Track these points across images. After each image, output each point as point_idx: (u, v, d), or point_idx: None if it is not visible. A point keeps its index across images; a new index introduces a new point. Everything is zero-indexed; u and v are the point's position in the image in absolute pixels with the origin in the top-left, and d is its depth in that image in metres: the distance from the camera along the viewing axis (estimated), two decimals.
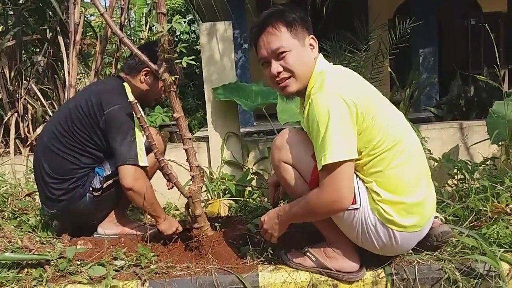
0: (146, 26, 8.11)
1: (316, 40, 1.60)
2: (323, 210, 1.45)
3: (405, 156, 1.47)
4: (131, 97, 1.94)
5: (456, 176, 2.43)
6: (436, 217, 1.70)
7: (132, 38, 7.39)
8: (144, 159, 1.90)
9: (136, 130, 1.90)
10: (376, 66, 3.70)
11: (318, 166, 1.40)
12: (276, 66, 1.54)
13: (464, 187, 2.29)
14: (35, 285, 1.60)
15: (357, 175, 1.49)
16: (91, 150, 1.96)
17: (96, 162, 1.99)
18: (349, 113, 1.39)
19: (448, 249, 1.70)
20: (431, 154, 2.64)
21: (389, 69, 3.97)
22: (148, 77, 2.05)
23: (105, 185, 1.96)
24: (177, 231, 1.97)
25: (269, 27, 1.54)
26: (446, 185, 2.38)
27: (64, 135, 1.93)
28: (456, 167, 2.43)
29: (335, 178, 1.38)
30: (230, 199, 2.61)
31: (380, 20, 4.25)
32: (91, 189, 1.95)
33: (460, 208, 1.99)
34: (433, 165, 2.61)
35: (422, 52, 6.02)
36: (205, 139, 3.13)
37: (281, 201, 1.95)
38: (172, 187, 1.98)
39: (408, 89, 3.71)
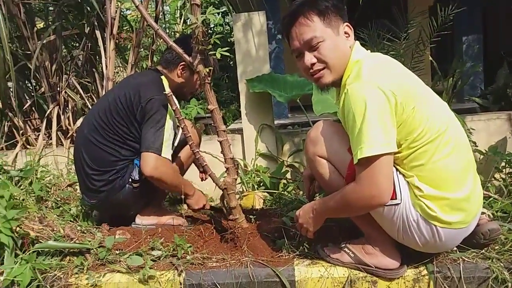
0: (180, 19, 8.20)
1: (352, 28, 1.53)
2: (360, 205, 1.39)
3: (449, 148, 1.39)
4: (167, 90, 1.96)
5: (504, 170, 2.30)
6: (483, 213, 1.61)
7: (167, 31, 7.48)
8: (167, 152, 1.92)
9: (167, 123, 1.92)
10: (416, 55, 3.55)
11: (354, 160, 1.35)
12: (309, 58, 1.49)
13: None
14: (76, 273, 1.65)
15: (397, 169, 1.42)
16: (130, 143, 1.99)
17: (135, 154, 2.02)
18: (387, 103, 1.32)
19: (496, 247, 1.61)
20: (477, 146, 2.52)
21: (430, 58, 3.80)
22: (184, 71, 2.07)
23: (144, 177, 1.99)
24: (205, 208, 2.08)
25: (301, 17, 1.49)
26: (493, 179, 2.26)
27: (103, 127, 1.98)
28: (504, 160, 2.30)
29: (373, 172, 1.32)
30: (264, 192, 2.59)
31: (420, 7, 4.07)
32: (130, 180, 1.99)
33: (509, 204, 1.89)
34: (479, 158, 2.48)
35: (465, 40, 5.71)
36: (240, 131, 3.12)
37: (317, 195, 1.91)
38: (206, 178, 2.00)
39: (451, 78, 3.54)
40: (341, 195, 1.43)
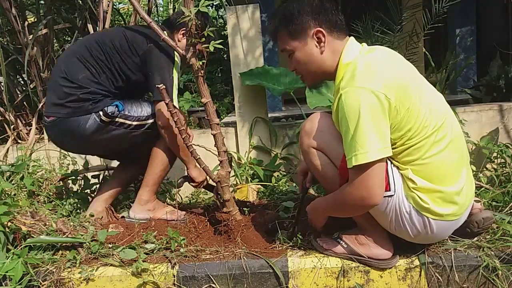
0: (173, 12, 8.14)
1: (325, 34, 1.47)
2: (353, 205, 1.40)
3: (444, 143, 1.39)
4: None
5: (495, 160, 2.32)
6: (478, 201, 1.62)
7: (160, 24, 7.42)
8: (176, 101, 1.93)
9: (175, 70, 1.94)
10: (410, 47, 3.55)
11: (348, 164, 1.35)
12: (289, 65, 1.59)
13: (505, 171, 2.18)
14: (69, 267, 1.64)
15: (391, 162, 1.42)
16: (119, 80, 1.97)
17: (115, 94, 1.98)
18: (381, 108, 1.31)
19: (488, 236, 1.62)
20: (469, 137, 2.52)
21: (424, 50, 3.80)
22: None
23: (117, 120, 1.93)
24: (205, 183, 2.08)
25: (275, 32, 1.58)
26: (485, 169, 2.27)
27: (98, 51, 1.94)
28: (496, 151, 2.31)
29: (366, 177, 1.32)
30: (258, 184, 2.59)
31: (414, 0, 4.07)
32: (101, 113, 1.90)
33: (500, 194, 1.90)
34: (471, 148, 2.49)
35: (459, 32, 5.72)
36: (233, 124, 3.11)
37: (309, 188, 1.91)
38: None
39: (444, 70, 3.54)
40: (336, 197, 1.46)
